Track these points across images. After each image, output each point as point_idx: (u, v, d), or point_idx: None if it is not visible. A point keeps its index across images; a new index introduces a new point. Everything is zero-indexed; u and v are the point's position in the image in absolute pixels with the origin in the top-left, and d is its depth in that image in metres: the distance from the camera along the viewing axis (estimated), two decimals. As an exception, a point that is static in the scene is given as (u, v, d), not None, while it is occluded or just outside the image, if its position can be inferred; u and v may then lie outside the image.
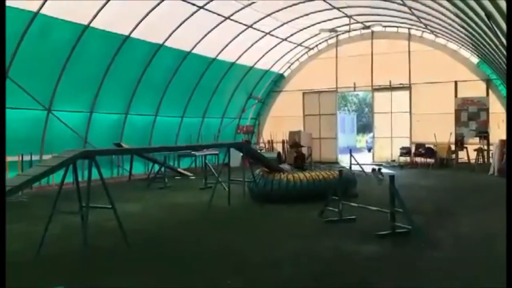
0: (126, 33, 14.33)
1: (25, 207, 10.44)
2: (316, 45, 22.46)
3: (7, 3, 11.19)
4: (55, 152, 6.91)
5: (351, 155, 16.94)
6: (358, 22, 19.64)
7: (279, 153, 20.33)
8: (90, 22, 13.07)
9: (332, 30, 19.31)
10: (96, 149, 9.74)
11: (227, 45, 18.25)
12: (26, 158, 12.71)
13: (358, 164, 16.30)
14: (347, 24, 19.57)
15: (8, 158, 12.25)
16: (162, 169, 14.56)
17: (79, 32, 13.10)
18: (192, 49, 17.13)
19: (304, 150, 19.25)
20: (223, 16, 16.18)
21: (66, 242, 7.10)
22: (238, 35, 17.90)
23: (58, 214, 6.72)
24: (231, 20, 16.59)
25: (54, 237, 6.92)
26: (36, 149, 13.17)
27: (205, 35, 16.75)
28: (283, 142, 21.56)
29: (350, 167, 16.17)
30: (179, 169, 16.90)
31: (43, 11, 11.80)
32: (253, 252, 6.60)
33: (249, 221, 8.90)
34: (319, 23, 19.17)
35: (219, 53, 18.51)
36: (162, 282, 5.37)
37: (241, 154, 11.98)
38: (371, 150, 22.96)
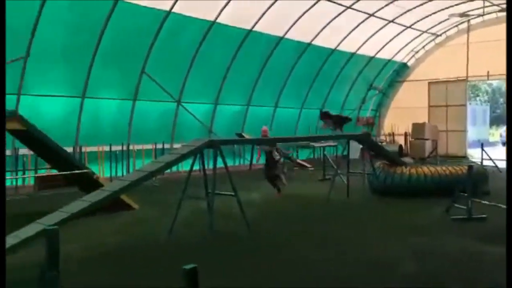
0: (249, 27, 14.82)
1: (157, 191, 11.40)
2: (444, 32, 21.04)
3: (144, 3, 12.25)
4: (184, 141, 7.43)
5: (482, 150, 15.64)
6: (493, 5, 17.95)
7: (400, 145, 19.49)
8: (216, 18, 13.76)
9: (463, 14, 17.95)
10: (220, 138, 10.30)
11: (347, 35, 17.92)
12: (159, 146, 13.91)
13: (490, 159, 15.01)
14: (480, 8, 18.01)
15: (144, 146, 13.53)
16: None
17: (205, 28, 13.87)
18: (312, 40, 17.13)
19: (429, 144, 18.17)
20: (344, 6, 15.90)
21: (194, 226, 7.60)
22: (359, 24, 17.48)
23: (186, 199, 7.22)
24: (352, 9, 16.23)
25: (183, 220, 7.44)
26: (167, 138, 14.33)
27: (326, 25, 16.63)
28: (405, 134, 20.62)
29: (481, 162, 14.94)
30: (298, 160, 17.06)
31: (174, 9, 12.71)
32: (372, 247, 6.45)
33: (369, 215, 8.70)
34: (447, 8, 17.91)
35: (339, 44, 18.25)
36: (278, 269, 5.51)
37: (361, 146, 11.73)
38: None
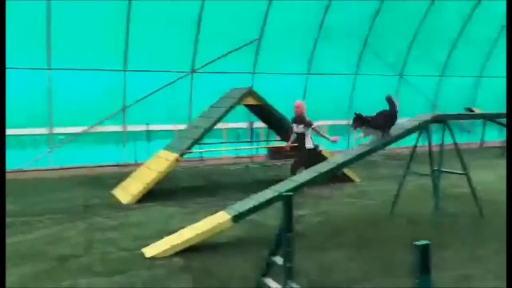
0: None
1: (377, 166, 11.42)
2: None
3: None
4: (406, 116, 7.19)
5: None
6: None
7: None
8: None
9: None
10: (447, 113, 9.61)
11: None
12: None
13: None
14: None
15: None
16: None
17: None
18: None
19: None
20: None
21: (417, 203, 7.37)
22: None
23: (409, 176, 7.02)
24: None
25: (407, 195, 7.25)
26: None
27: None
28: None
29: None
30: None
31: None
32: None
33: None
34: None
35: None
36: None
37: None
38: None
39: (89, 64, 11.55)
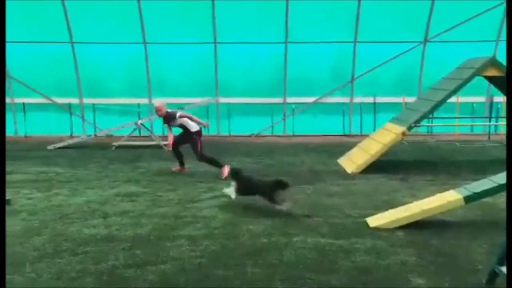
0: None
1: None
2: None
3: None
4: None
5: None
6: None
7: None
8: None
9: None
10: None
11: None
12: None
13: None
14: None
15: None
16: None
17: None
18: None
19: None
20: None
21: None
22: None
23: None
24: None
25: None
26: None
27: None
28: None
29: None
30: None
31: None
32: None
33: None
34: None
35: None
36: None
37: None
38: None
39: (319, 37, 12.04)
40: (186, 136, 7.73)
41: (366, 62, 12.17)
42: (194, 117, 7.90)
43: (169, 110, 7.81)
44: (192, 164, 8.06)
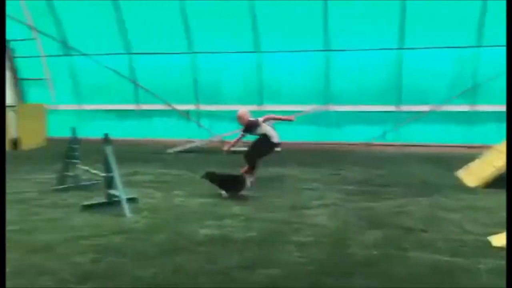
0: None
1: None
2: None
3: None
4: None
5: None
6: None
7: None
8: None
9: None
10: None
11: None
12: None
13: None
14: None
15: None
16: None
17: None
18: None
19: None
20: None
21: None
22: None
23: None
24: None
25: None
26: None
27: None
28: None
29: None
30: None
31: None
32: None
33: None
34: None
35: None
36: None
37: None
38: None
39: (440, 41, 11.43)
40: (265, 142, 7.38)
41: (495, 67, 11.20)
42: (278, 116, 7.83)
43: (252, 119, 7.57)
44: (297, 171, 8.07)
